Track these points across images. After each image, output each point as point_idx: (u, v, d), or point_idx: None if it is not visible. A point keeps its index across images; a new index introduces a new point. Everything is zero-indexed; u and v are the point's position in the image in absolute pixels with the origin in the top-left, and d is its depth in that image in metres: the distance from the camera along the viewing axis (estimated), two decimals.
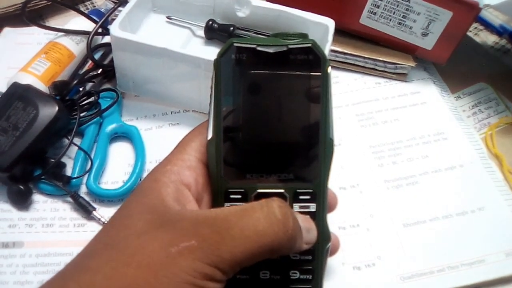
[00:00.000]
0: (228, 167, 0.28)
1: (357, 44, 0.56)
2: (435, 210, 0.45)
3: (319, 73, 0.28)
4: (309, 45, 0.28)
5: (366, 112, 0.53)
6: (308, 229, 0.27)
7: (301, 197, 0.28)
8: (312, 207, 0.28)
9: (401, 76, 0.56)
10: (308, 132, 0.28)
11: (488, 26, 0.65)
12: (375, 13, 0.53)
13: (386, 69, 0.56)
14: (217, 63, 0.28)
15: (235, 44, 0.28)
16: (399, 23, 0.53)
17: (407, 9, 0.52)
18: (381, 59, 0.55)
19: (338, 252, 0.35)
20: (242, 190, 0.28)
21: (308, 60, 0.28)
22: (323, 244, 0.29)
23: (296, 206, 0.28)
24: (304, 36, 0.29)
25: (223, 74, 0.28)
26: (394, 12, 0.53)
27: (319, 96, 0.28)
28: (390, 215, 0.44)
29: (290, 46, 0.28)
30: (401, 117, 0.52)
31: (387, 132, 0.51)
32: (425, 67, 0.58)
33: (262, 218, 0.24)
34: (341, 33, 0.55)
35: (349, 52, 0.55)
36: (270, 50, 0.28)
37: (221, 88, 0.28)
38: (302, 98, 0.28)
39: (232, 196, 0.28)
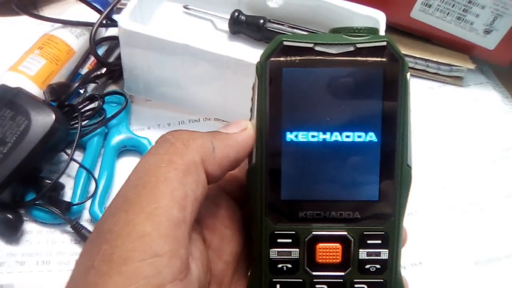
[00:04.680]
0: (274, 203, 0.24)
1: (406, 42, 0.51)
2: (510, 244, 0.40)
3: (396, 81, 0.23)
4: (384, 43, 0.23)
5: (418, 121, 0.48)
6: None
7: (369, 241, 0.24)
8: (384, 253, 0.24)
9: (457, 80, 0.52)
10: (380, 157, 0.24)
11: None
12: (430, 5, 0.48)
13: (439, 72, 0.52)
14: (262, 67, 0.24)
15: (285, 43, 0.24)
16: (458, 18, 0.48)
17: (469, 1, 0.47)
18: (434, 59, 0.51)
19: None
20: (293, 233, 0.24)
21: (382, 64, 0.23)
22: None
23: (363, 253, 0.24)
24: (373, 31, 0.24)
25: (270, 82, 0.24)
26: (453, 5, 0.47)
27: (396, 111, 0.23)
28: (458, 249, 0.40)
29: (359, 45, 0.24)
30: (460, 128, 0.48)
31: (443, 146, 0.46)
32: (482, 69, 0.53)
33: None
34: (388, 28, 0.49)
35: None
36: (333, 50, 0.24)
37: (267, 100, 0.24)
38: (373, 113, 0.24)
39: (279, 240, 0.24)
